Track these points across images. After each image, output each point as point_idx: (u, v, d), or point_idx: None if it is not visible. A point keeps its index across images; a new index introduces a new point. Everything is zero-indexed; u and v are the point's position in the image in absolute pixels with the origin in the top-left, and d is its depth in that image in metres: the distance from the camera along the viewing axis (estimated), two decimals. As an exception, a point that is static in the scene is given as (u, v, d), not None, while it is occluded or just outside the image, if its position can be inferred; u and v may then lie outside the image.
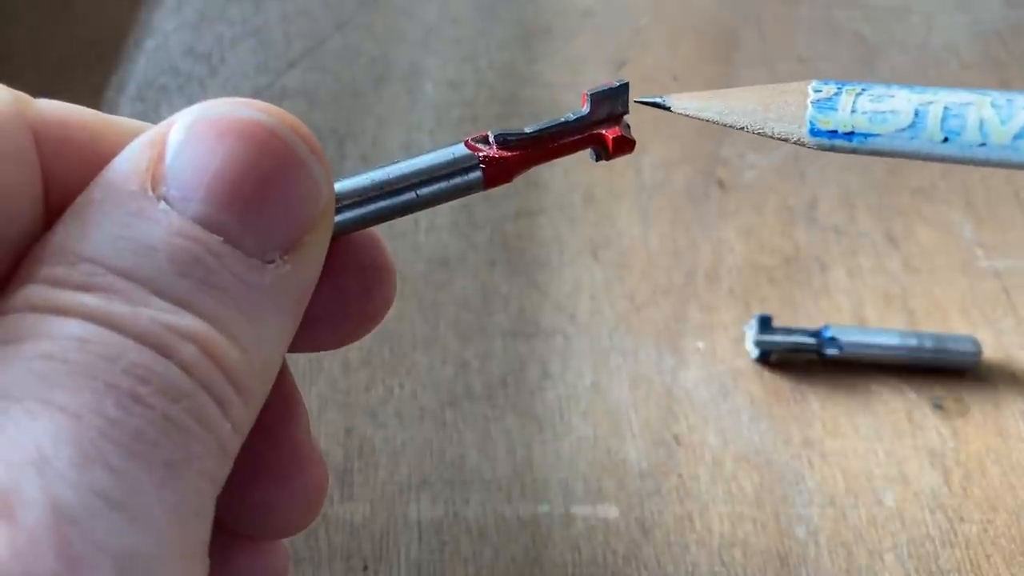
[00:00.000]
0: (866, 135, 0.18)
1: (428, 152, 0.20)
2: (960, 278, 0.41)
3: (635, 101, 0.21)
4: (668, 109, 0.21)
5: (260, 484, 0.21)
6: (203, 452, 0.16)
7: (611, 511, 0.34)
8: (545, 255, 0.42)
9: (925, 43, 0.52)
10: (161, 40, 0.51)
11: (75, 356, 0.15)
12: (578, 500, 0.34)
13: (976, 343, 0.38)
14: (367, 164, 0.45)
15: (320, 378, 0.37)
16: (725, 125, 0.20)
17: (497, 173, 0.20)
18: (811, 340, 0.37)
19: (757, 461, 0.35)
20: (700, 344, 0.39)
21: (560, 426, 0.36)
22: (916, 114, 0.18)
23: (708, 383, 0.37)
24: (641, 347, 0.38)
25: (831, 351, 0.37)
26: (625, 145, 0.21)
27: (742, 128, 0.20)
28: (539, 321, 0.39)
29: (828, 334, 0.37)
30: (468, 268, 0.41)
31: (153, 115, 0.47)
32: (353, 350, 0.38)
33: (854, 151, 0.19)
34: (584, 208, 0.43)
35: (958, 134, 0.17)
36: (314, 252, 0.18)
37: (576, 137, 0.21)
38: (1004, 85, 0.50)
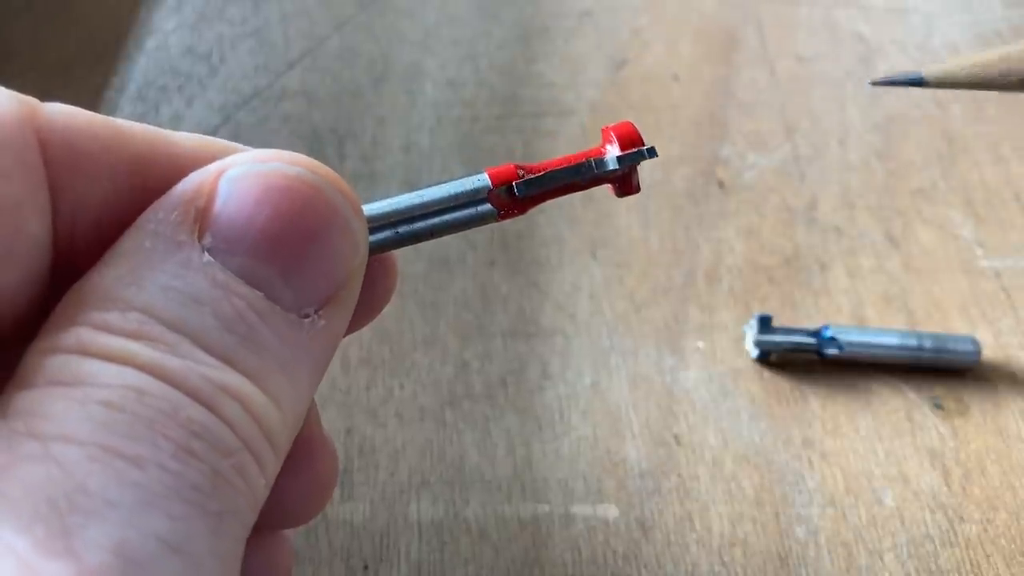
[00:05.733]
0: None
1: (447, 182, 0.21)
2: (960, 278, 0.41)
3: (874, 83, 0.21)
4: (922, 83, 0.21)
5: None
6: (244, 506, 0.16)
7: (611, 511, 0.34)
8: (545, 255, 0.42)
9: (925, 43, 0.52)
10: (161, 40, 0.51)
11: (134, 407, 0.15)
12: (578, 500, 0.34)
13: (976, 343, 0.38)
14: (367, 164, 0.45)
15: (320, 378, 0.37)
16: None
17: (513, 214, 0.21)
18: (811, 340, 0.37)
19: (757, 461, 0.35)
20: (700, 344, 0.39)
21: (560, 426, 0.36)
22: None
23: (708, 383, 0.37)
24: (641, 347, 0.38)
25: (831, 351, 0.37)
26: (632, 191, 0.22)
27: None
28: (539, 321, 0.39)
29: (828, 334, 0.37)
30: (468, 268, 0.41)
31: (153, 115, 0.47)
32: (353, 350, 0.38)
33: None
34: (584, 208, 0.43)
35: None
36: (347, 306, 0.19)
37: (591, 182, 0.22)
38: (1004, 85, 0.50)
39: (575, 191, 0.22)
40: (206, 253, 0.17)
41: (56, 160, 0.18)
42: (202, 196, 0.17)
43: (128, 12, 0.53)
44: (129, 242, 0.17)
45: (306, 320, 0.18)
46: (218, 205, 0.17)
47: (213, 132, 0.46)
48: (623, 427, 0.36)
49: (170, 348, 0.16)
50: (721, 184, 0.45)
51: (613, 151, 0.21)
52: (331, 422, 0.36)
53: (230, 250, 0.17)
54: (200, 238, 0.17)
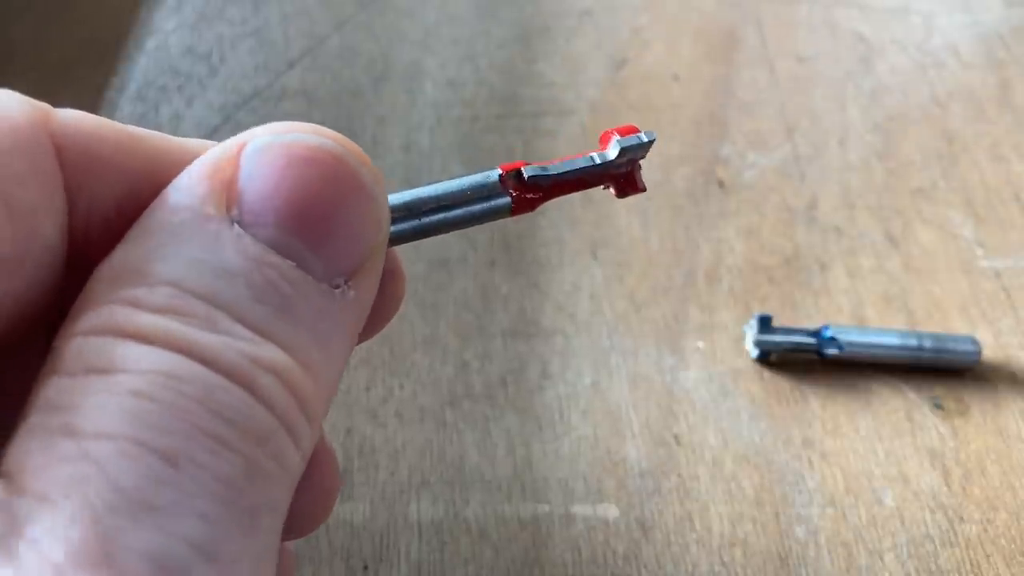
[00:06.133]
0: None
1: (461, 176, 0.21)
2: (960, 278, 0.41)
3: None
4: None
5: None
6: (279, 494, 0.16)
7: (611, 511, 0.34)
8: (545, 255, 0.42)
9: (925, 43, 0.52)
10: (161, 40, 0.51)
11: (165, 395, 0.15)
12: (578, 500, 0.34)
13: (976, 343, 0.38)
14: (367, 164, 0.45)
15: (320, 378, 0.37)
16: None
17: (524, 206, 0.22)
18: (811, 340, 0.37)
19: (757, 461, 0.35)
20: (700, 344, 0.39)
21: (560, 426, 0.36)
22: None
23: (708, 383, 0.37)
24: (641, 347, 0.38)
25: (831, 351, 0.37)
26: (638, 191, 0.23)
27: None
28: (539, 321, 0.39)
29: (828, 334, 0.37)
30: (468, 268, 0.41)
31: (153, 115, 0.47)
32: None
33: None
34: (584, 208, 0.43)
35: None
36: (373, 277, 0.19)
37: (596, 176, 0.22)
38: (1004, 85, 0.50)
39: (582, 188, 0.22)
40: (235, 225, 0.17)
41: (71, 164, 0.17)
42: (225, 169, 0.17)
43: (128, 12, 0.53)
44: (153, 218, 0.17)
45: (337, 291, 0.18)
46: (243, 177, 0.17)
47: (213, 132, 0.46)
48: (623, 427, 0.36)
49: (204, 322, 0.16)
50: (721, 184, 0.45)
51: (614, 141, 0.22)
52: (331, 422, 0.36)
53: (257, 222, 0.17)
54: (227, 211, 0.17)
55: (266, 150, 0.17)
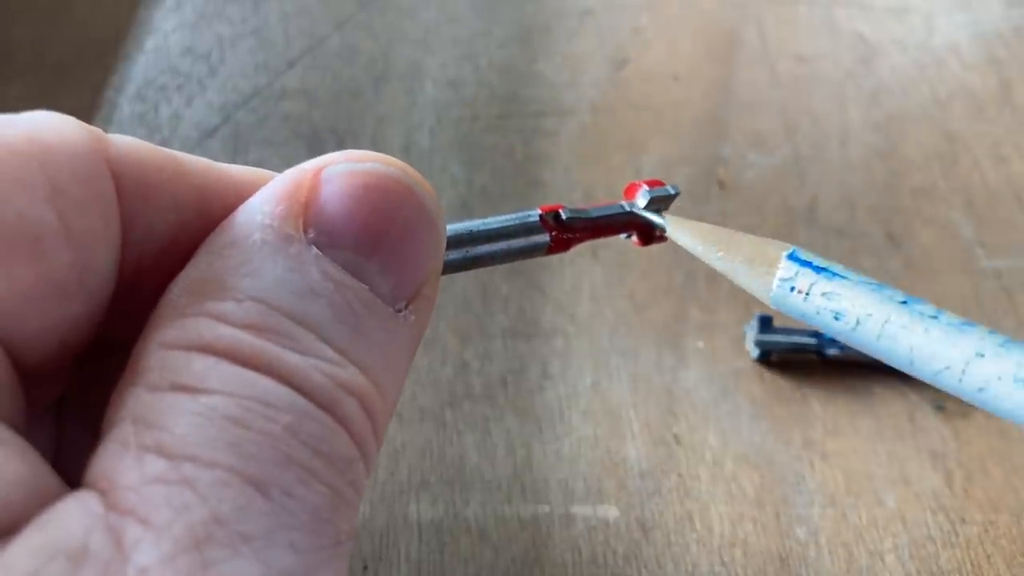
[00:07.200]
0: (820, 324, 0.21)
1: (504, 215, 0.22)
2: (961, 278, 0.41)
3: (636, 211, 0.24)
4: (663, 231, 0.24)
5: None
6: (354, 518, 0.16)
7: (611, 511, 0.34)
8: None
9: (925, 43, 0.52)
10: (160, 40, 0.51)
11: (259, 423, 0.15)
12: (578, 500, 0.34)
13: (977, 343, 0.38)
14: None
15: (320, 378, 0.37)
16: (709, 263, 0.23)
17: (560, 246, 0.23)
18: (812, 340, 0.37)
19: (758, 461, 0.35)
20: (700, 344, 0.39)
21: (560, 426, 0.36)
22: (858, 322, 0.21)
23: (708, 383, 0.37)
24: (641, 347, 0.38)
25: (832, 351, 0.37)
26: (660, 240, 0.24)
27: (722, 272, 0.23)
28: (539, 321, 0.39)
29: (829, 334, 0.37)
30: (468, 268, 0.41)
31: (152, 115, 0.47)
32: (353, 350, 0.38)
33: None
34: (584, 208, 0.43)
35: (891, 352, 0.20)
36: (430, 302, 0.19)
37: (624, 223, 0.24)
38: (1004, 85, 0.50)
39: (610, 233, 0.24)
40: (313, 247, 0.17)
41: (126, 191, 0.18)
42: (303, 191, 0.18)
43: (128, 12, 0.53)
44: (230, 234, 0.17)
45: (400, 314, 0.18)
46: (321, 200, 0.18)
47: (213, 132, 0.46)
48: (623, 427, 0.36)
49: (291, 341, 0.16)
50: (721, 184, 0.45)
51: (644, 191, 0.24)
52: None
53: (333, 244, 0.17)
54: (304, 232, 0.17)
55: (343, 176, 0.18)
